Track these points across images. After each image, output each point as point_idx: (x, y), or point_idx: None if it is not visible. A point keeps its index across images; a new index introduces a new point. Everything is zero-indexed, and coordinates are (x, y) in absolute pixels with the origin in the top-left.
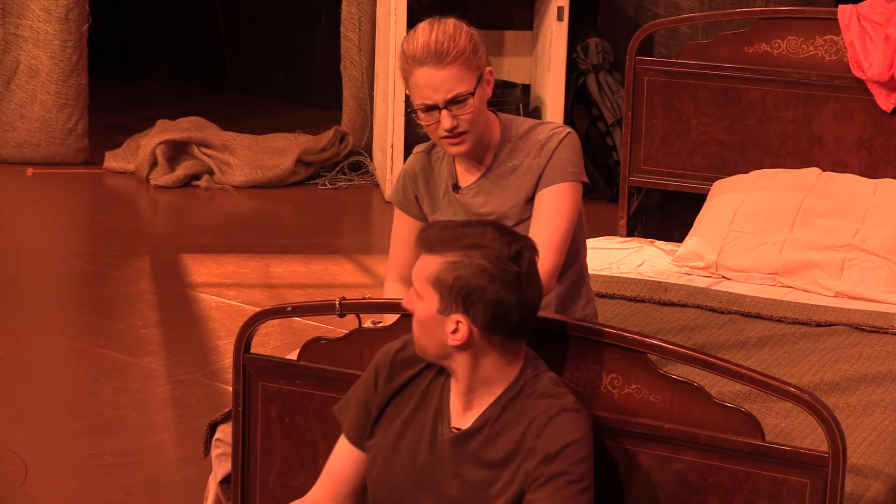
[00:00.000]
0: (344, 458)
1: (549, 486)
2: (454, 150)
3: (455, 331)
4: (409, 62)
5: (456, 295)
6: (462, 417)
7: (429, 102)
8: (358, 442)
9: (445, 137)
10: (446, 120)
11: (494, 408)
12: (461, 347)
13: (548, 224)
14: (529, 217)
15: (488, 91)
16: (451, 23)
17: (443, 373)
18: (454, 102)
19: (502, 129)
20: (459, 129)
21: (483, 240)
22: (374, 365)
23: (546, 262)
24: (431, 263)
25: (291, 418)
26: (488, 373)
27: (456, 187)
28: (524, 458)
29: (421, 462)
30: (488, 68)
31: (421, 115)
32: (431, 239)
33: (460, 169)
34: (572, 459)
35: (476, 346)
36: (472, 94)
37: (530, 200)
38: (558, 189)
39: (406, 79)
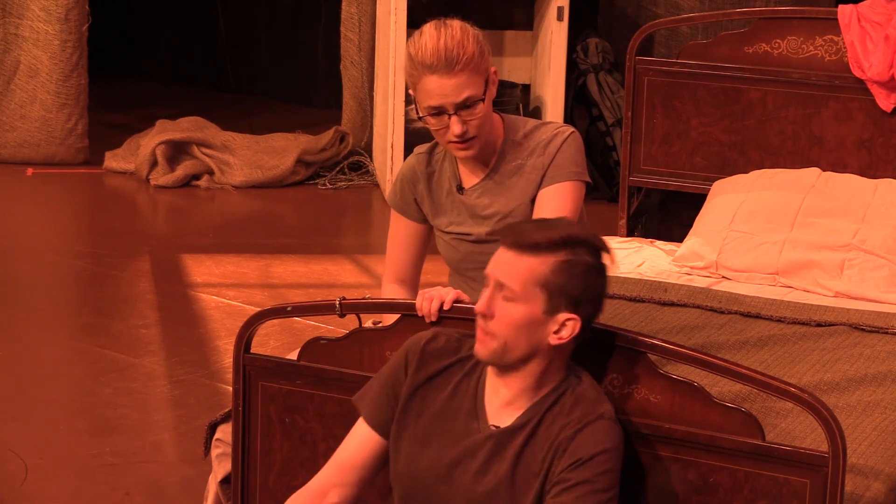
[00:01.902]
0: (361, 443)
1: (573, 492)
2: (461, 154)
3: (559, 329)
4: (418, 68)
5: (569, 294)
6: (501, 415)
7: (438, 108)
8: (379, 426)
9: (453, 142)
10: (456, 126)
11: (538, 408)
12: (560, 346)
13: None
14: None
15: (493, 91)
16: (457, 27)
17: (475, 370)
18: (464, 107)
19: (506, 130)
20: (468, 135)
21: (578, 235)
22: (403, 352)
23: None
24: (538, 265)
25: (291, 418)
26: (549, 374)
27: (460, 188)
28: (553, 456)
29: (451, 458)
30: (493, 69)
31: (429, 119)
32: (528, 240)
33: (464, 170)
34: (601, 469)
35: (566, 345)
36: (482, 99)
37: (535, 200)
38: (560, 188)
39: (413, 84)
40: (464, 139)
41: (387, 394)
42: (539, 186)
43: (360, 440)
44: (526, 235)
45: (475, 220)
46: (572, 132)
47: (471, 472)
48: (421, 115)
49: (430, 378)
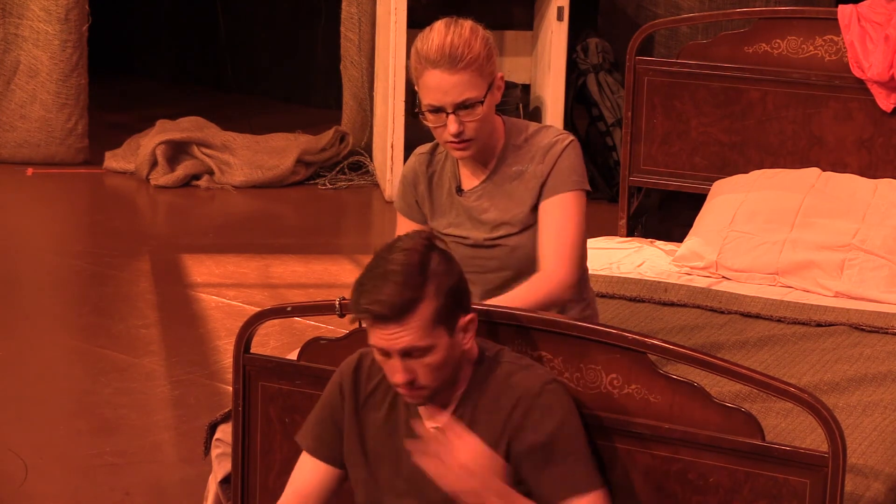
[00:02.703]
0: (311, 474)
1: (559, 467)
2: (458, 154)
3: (465, 332)
4: (422, 62)
5: (454, 303)
6: (436, 416)
7: (437, 105)
8: (326, 456)
9: (450, 142)
10: (452, 125)
11: (468, 396)
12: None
13: (557, 235)
14: (534, 223)
15: (498, 97)
16: (467, 26)
17: None
18: (463, 108)
19: (506, 133)
20: (465, 136)
21: (415, 252)
22: (336, 382)
23: (559, 273)
24: (423, 313)
25: (291, 418)
26: (468, 364)
27: (459, 190)
28: (512, 439)
29: (407, 472)
30: (500, 74)
31: (428, 115)
32: (402, 302)
33: (464, 171)
34: (570, 433)
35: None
36: (482, 102)
37: (535, 208)
38: (564, 199)
39: (416, 78)
40: (460, 139)
41: (326, 424)
42: (538, 194)
43: (309, 471)
44: (392, 301)
45: (473, 222)
46: (572, 140)
47: (424, 480)
48: (421, 110)
49: (366, 399)
